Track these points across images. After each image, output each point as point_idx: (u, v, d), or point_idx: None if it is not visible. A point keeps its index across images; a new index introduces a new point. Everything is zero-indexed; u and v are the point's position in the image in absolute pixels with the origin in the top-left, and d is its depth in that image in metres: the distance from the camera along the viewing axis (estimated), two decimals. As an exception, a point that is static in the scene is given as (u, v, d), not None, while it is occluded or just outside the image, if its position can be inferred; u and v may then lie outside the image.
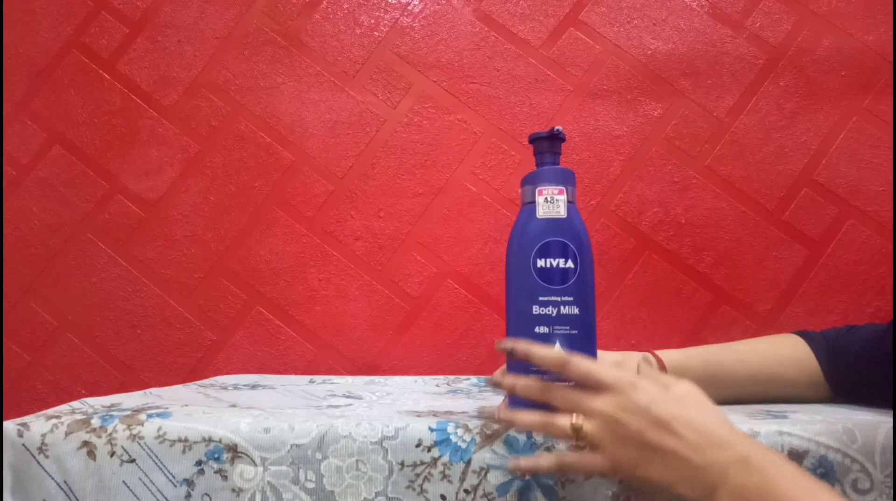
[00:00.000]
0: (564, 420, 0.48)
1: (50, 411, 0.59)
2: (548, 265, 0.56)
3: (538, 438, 0.53)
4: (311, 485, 0.53)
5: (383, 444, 0.53)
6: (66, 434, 0.54)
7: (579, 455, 0.48)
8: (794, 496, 0.41)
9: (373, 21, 1.18)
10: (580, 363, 0.49)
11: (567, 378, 0.50)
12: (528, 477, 0.52)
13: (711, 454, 0.44)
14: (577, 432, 0.48)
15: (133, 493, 0.53)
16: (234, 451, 0.54)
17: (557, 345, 0.55)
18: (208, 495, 0.53)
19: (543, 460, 0.49)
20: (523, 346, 0.52)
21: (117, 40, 1.19)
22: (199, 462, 0.53)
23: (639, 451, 0.45)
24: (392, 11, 1.18)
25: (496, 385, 0.53)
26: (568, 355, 0.50)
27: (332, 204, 1.15)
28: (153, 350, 1.14)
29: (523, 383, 0.51)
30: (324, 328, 1.12)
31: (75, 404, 0.63)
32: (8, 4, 1.20)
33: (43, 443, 0.54)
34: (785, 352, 0.70)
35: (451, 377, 1.02)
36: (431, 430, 0.53)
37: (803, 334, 0.72)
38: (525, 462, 0.50)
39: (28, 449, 0.54)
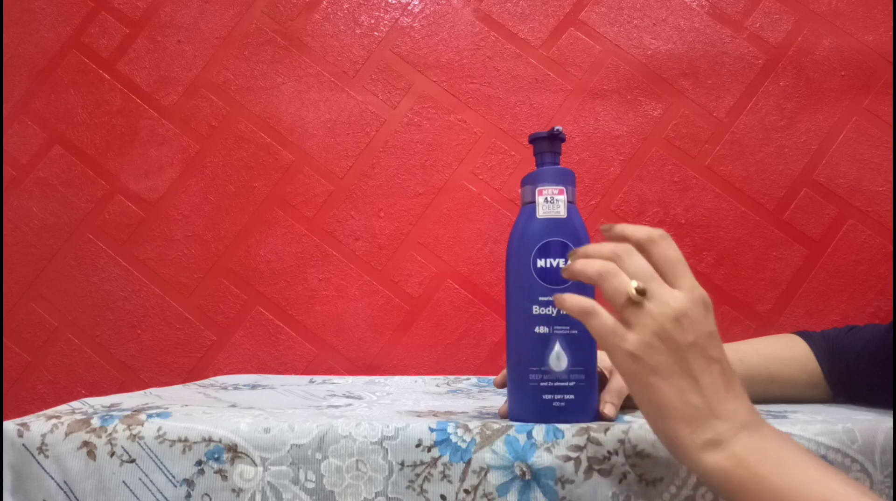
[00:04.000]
0: (625, 279, 0.42)
1: (50, 411, 0.59)
2: (548, 265, 0.56)
3: (537, 437, 0.53)
4: (311, 485, 0.53)
5: (383, 444, 0.53)
6: (66, 434, 0.54)
7: (614, 321, 0.43)
8: (810, 480, 0.38)
9: (373, 21, 1.18)
10: (672, 247, 0.44)
11: (651, 258, 0.44)
12: (528, 478, 0.52)
13: (734, 407, 0.41)
14: (630, 298, 0.42)
15: (133, 493, 0.53)
16: (234, 451, 0.54)
17: (557, 346, 0.55)
18: (208, 495, 0.53)
19: (577, 300, 0.44)
20: (620, 226, 0.46)
21: (117, 40, 1.19)
22: (199, 462, 0.53)
23: (670, 360, 0.41)
24: (392, 11, 1.18)
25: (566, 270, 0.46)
26: (665, 234, 0.45)
27: (332, 204, 1.15)
28: (153, 350, 1.14)
29: (580, 262, 0.45)
30: (324, 328, 1.12)
31: (75, 404, 0.63)
32: (8, 4, 1.20)
33: (43, 443, 0.54)
34: (785, 352, 0.70)
35: (451, 377, 1.02)
36: (431, 430, 0.53)
37: (803, 334, 0.72)
38: (570, 298, 0.44)
39: (28, 449, 0.54)
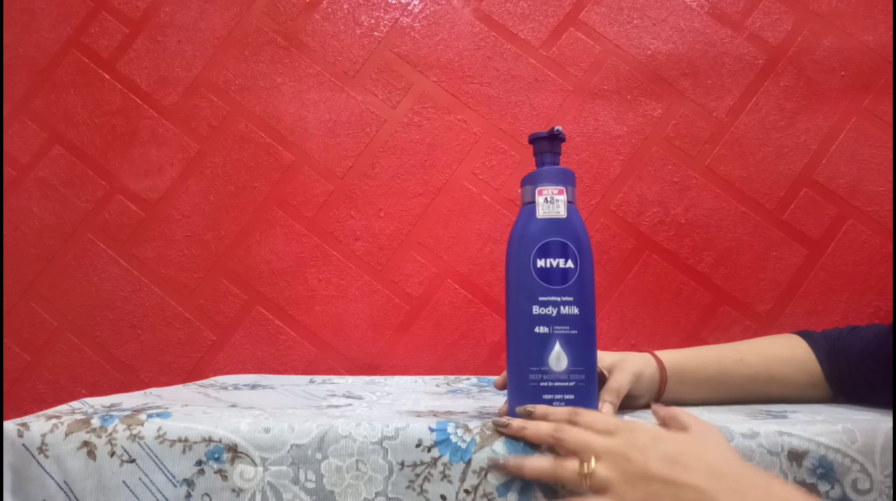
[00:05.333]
0: (573, 464, 0.47)
1: (50, 411, 0.59)
2: (548, 265, 0.56)
3: (538, 438, 0.53)
4: (311, 485, 0.53)
5: (383, 444, 0.53)
6: (66, 434, 0.54)
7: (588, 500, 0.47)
8: None
9: (373, 21, 1.18)
10: (588, 413, 0.51)
11: (578, 425, 0.51)
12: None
13: (727, 481, 0.43)
14: (587, 475, 0.47)
15: (133, 493, 0.53)
16: (234, 451, 0.54)
17: (557, 346, 0.55)
18: (208, 495, 0.53)
19: None
20: (542, 409, 0.53)
21: (117, 40, 1.19)
22: (199, 462, 0.53)
23: (648, 486, 0.44)
24: (392, 11, 1.18)
25: (502, 429, 0.53)
26: (576, 409, 0.52)
27: (332, 204, 1.15)
28: (153, 350, 1.14)
29: (533, 427, 0.52)
30: (324, 328, 1.12)
31: (75, 404, 0.63)
32: (8, 4, 1.20)
33: (43, 443, 0.54)
34: (785, 352, 0.70)
35: (451, 377, 1.02)
36: (431, 430, 0.53)
37: (804, 334, 0.72)
38: None
39: (28, 449, 0.54)
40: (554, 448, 0.50)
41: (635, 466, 0.45)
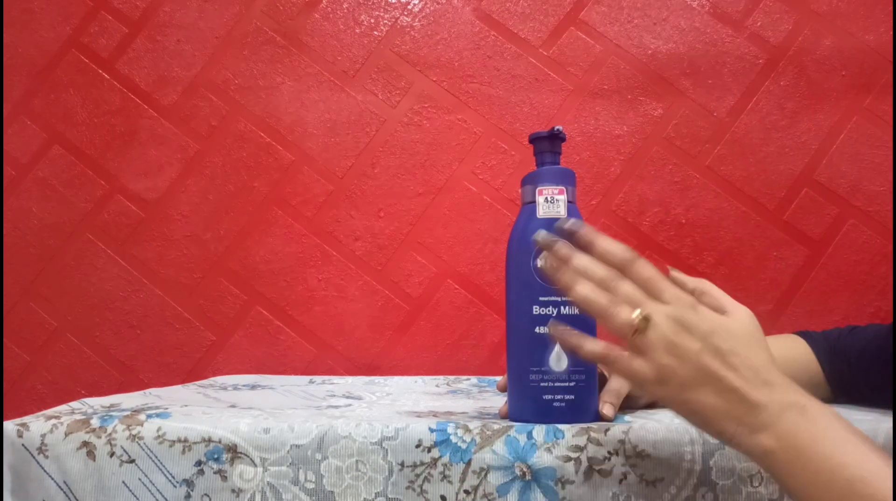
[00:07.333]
0: (628, 311, 0.44)
1: (50, 411, 0.59)
2: (548, 265, 0.56)
3: (538, 438, 0.53)
4: (310, 486, 0.53)
5: (383, 444, 0.53)
6: (66, 435, 0.54)
7: (627, 355, 0.44)
8: (844, 453, 0.40)
9: (373, 21, 1.18)
10: (647, 266, 0.45)
11: (630, 278, 0.46)
12: (528, 478, 0.52)
13: (767, 394, 0.42)
14: (636, 328, 0.43)
15: (133, 493, 0.53)
16: (234, 451, 0.54)
17: (558, 346, 0.55)
18: (208, 495, 0.53)
19: (590, 344, 0.46)
20: (589, 231, 0.47)
21: (117, 40, 1.19)
22: (198, 463, 0.53)
23: (692, 371, 0.43)
24: (392, 11, 1.18)
25: (551, 271, 0.47)
26: (635, 253, 0.46)
27: (331, 204, 1.15)
28: (153, 350, 1.14)
29: (583, 287, 0.46)
30: (324, 328, 1.12)
31: (75, 404, 0.63)
32: (8, 4, 1.20)
33: (43, 443, 0.54)
34: (785, 353, 0.70)
35: (451, 378, 1.02)
36: (431, 430, 0.53)
37: (804, 334, 0.72)
38: (573, 337, 0.46)
39: (28, 449, 0.54)
40: (600, 311, 0.45)
41: (685, 346, 0.43)
